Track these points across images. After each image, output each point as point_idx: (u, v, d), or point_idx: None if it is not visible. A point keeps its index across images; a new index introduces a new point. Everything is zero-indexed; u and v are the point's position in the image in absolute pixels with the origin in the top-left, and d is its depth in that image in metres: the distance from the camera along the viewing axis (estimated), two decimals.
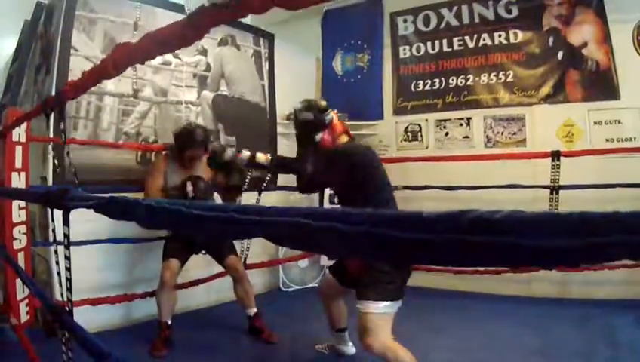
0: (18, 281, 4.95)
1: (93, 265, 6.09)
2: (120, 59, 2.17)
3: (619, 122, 7.70)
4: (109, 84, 6.55)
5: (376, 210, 0.91)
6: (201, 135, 5.99)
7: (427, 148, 9.13)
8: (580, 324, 6.23)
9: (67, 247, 2.86)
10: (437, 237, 0.82)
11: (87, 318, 5.35)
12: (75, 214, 2.40)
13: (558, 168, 7.02)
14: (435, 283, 8.05)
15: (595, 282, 7.02)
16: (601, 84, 7.88)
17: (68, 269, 2.93)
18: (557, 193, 6.98)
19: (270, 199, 7.94)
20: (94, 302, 5.53)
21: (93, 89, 6.17)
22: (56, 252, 3.46)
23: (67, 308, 2.90)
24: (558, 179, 7.03)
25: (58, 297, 3.52)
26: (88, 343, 2.29)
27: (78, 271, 2.83)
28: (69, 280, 2.94)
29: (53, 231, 3.34)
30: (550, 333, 5.92)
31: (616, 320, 6.32)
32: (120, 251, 6.35)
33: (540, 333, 5.91)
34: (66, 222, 2.73)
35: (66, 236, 2.82)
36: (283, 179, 7.91)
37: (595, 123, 7.85)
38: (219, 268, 6.46)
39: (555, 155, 7.09)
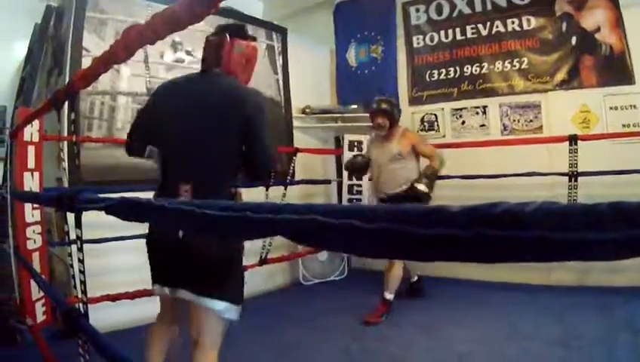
0: (33, 282, 4.92)
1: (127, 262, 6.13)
2: (130, 41, 2.12)
3: (634, 107, 7.64)
4: (122, 84, 6.58)
5: (396, 205, 0.86)
6: (378, 103, 6.80)
7: (444, 137, 9.10)
8: (601, 313, 6.17)
9: (80, 249, 2.83)
10: (463, 232, 0.77)
11: (110, 315, 5.36)
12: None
13: (576, 153, 6.94)
14: (452, 273, 8.02)
15: (615, 269, 6.96)
16: (616, 69, 7.82)
17: (82, 272, 2.90)
18: (576, 180, 6.90)
19: (292, 193, 8.03)
20: (113, 298, 5.54)
21: (107, 88, 6.21)
22: (70, 254, 3.39)
23: (82, 310, 2.86)
24: (577, 164, 6.95)
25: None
26: (102, 346, 2.27)
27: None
28: (83, 282, 2.90)
29: (67, 232, 3.31)
30: (571, 322, 5.86)
31: (637, 307, 6.30)
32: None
33: (560, 323, 5.86)
34: (78, 224, 2.70)
35: (79, 238, 2.79)
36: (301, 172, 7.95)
37: (611, 108, 7.79)
38: None
39: (573, 139, 6.98)
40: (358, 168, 7.27)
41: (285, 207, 1.00)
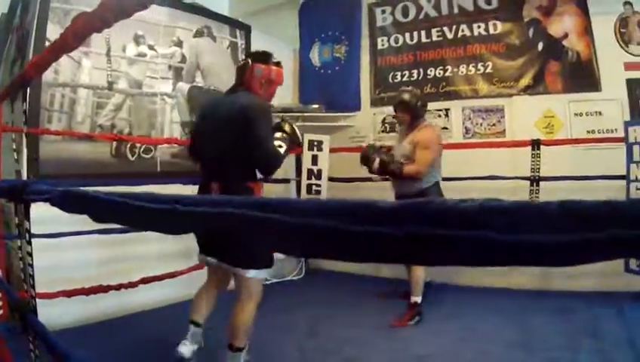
0: None
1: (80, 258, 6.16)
2: (79, 29, 2.13)
3: (600, 114, 7.73)
4: (83, 76, 6.51)
5: (326, 199, 0.86)
6: (398, 94, 6.64)
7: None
8: (562, 317, 6.24)
9: (29, 242, 2.82)
10: (398, 230, 0.76)
11: (65, 311, 5.33)
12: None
13: (539, 157, 7.07)
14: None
15: (576, 274, 7.00)
16: (582, 76, 7.90)
17: (30, 265, 2.89)
18: (537, 184, 7.00)
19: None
20: (69, 294, 5.46)
21: (67, 81, 6.16)
22: (20, 247, 3.40)
23: (31, 305, 2.86)
24: (539, 168, 7.08)
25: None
26: (48, 342, 2.26)
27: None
28: (32, 276, 2.89)
29: (18, 225, 3.30)
30: (531, 326, 5.90)
31: (599, 312, 6.34)
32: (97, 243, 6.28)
33: (521, 326, 5.90)
34: (27, 216, 2.69)
35: (28, 231, 2.78)
36: None
37: (576, 114, 7.88)
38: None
39: (536, 144, 7.12)
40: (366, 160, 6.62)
41: (218, 200, 1.00)
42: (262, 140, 4.19)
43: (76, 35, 2.17)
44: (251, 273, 4.43)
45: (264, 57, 4.55)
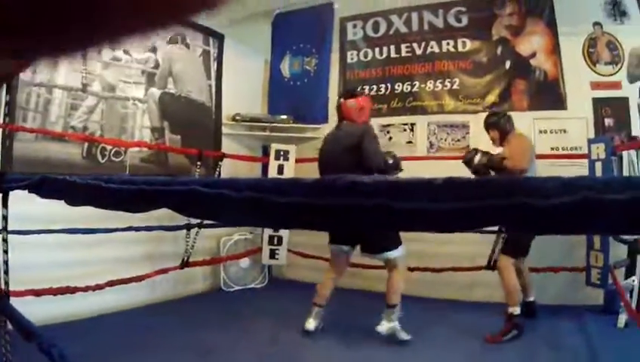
0: None
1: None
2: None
3: (564, 131, 7.93)
4: (58, 77, 6.58)
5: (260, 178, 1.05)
6: (485, 120, 6.87)
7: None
8: (524, 327, 6.24)
9: (5, 229, 2.93)
10: (318, 201, 0.94)
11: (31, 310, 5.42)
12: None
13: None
14: (373, 286, 8.07)
15: (539, 287, 7.12)
16: (548, 94, 8.10)
17: (5, 252, 3.00)
18: None
19: None
20: (38, 293, 5.46)
21: (43, 81, 6.24)
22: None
23: (4, 292, 2.96)
24: None
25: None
26: (22, 324, 2.37)
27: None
28: (6, 263, 3.00)
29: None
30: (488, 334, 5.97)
31: (560, 325, 6.48)
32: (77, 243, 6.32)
33: (481, 337, 5.96)
34: (5, 204, 2.81)
35: (5, 218, 2.90)
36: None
37: (541, 131, 8.06)
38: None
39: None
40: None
41: (174, 180, 1.16)
42: (373, 152, 5.77)
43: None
44: (393, 253, 5.92)
45: (352, 93, 6.47)
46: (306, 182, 0.96)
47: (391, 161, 6.31)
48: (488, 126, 6.74)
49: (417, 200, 0.88)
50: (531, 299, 6.84)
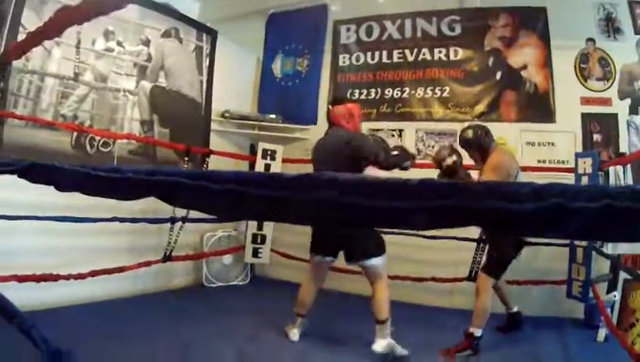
0: None
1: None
2: (61, 20, 2.30)
3: (552, 144, 7.99)
4: (51, 65, 6.61)
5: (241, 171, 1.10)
6: (461, 138, 6.34)
7: None
8: (502, 338, 6.40)
9: None
10: (297, 195, 0.99)
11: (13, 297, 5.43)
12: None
13: None
14: (357, 289, 8.10)
15: (520, 298, 7.17)
16: (538, 107, 8.16)
17: None
18: None
19: None
20: (20, 279, 5.48)
21: (35, 68, 6.26)
22: None
23: None
24: None
25: None
26: (4, 305, 2.41)
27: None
28: None
29: None
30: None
31: (540, 337, 6.49)
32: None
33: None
34: None
35: None
36: None
37: (528, 143, 8.12)
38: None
39: None
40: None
41: (159, 170, 1.21)
42: (374, 154, 5.64)
43: (57, 26, 2.35)
44: (377, 260, 5.69)
45: (340, 99, 6.69)
46: (285, 176, 1.01)
47: (396, 153, 5.92)
48: (466, 146, 6.21)
49: (394, 200, 0.92)
50: (515, 309, 6.72)
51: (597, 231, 0.89)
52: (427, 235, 6.85)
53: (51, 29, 2.42)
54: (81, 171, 1.45)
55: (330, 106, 6.26)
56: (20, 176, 2.00)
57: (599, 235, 0.81)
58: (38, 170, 1.82)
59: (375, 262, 5.67)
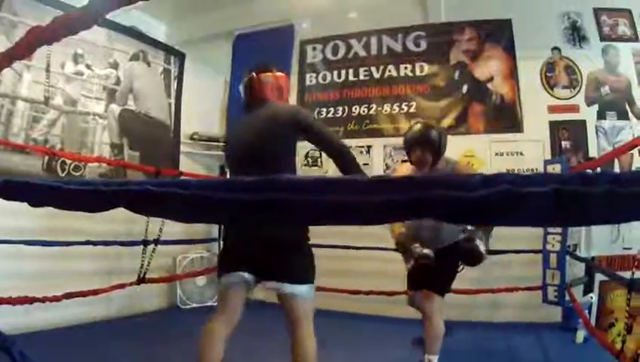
0: None
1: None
2: (30, 40, 2.37)
3: (521, 154, 8.13)
4: (22, 89, 6.66)
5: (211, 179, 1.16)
6: (418, 130, 5.06)
7: (326, 173, 9.19)
8: (482, 346, 6.50)
9: None
10: (253, 196, 1.06)
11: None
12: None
13: None
14: (328, 305, 8.19)
15: (495, 306, 7.27)
16: (505, 117, 8.31)
17: None
18: None
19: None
20: None
21: (7, 92, 6.27)
22: None
23: None
24: None
25: None
26: None
27: None
28: None
29: None
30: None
31: (517, 342, 6.58)
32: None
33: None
34: None
35: None
36: None
37: (497, 154, 8.25)
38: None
39: None
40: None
41: (129, 181, 1.29)
42: (331, 136, 4.12)
43: (28, 46, 2.42)
44: (307, 289, 3.90)
45: (266, 67, 4.38)
46: (248, 180, 1.08)
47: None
48: (426, 144, 4.97)
49: (352, 195, 1.00)
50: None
51: (547, 216, 0.93)
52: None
53: (21, 49, 2.48)
54: (54, 185, 1.51)
55: (254, 74, 4.29)
56: None
57: (549, 220, 0.86)
58: (12, 186, 1.88)
59: (305, 290, 3.88)
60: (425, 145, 4.97)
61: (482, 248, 4.78)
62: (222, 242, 4.68)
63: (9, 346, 2.45)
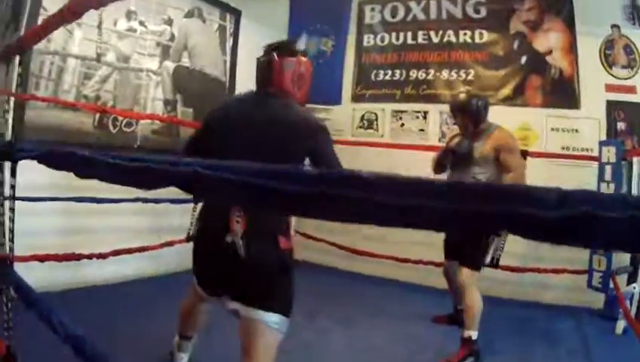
0: None
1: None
2: (76, 6, 2.26)
3: (576, 131, 7.85)
4: (73, 46, 6.59)
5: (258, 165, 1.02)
6: (455, 100, 5.89)
7: (382, 136, 9.20)
8: (523, 326, 6.37)
9: (13, 199, 2.94)
10: (315, 189, 0.94)
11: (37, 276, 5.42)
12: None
13: None
14: (376, 271, 8.14)
15: (539, 287, 7.15)
16: (562, 92, 8.02)
17: (12, 220, 3.01)
18: None
19: None
20: (42, 259, 5.49)
21: (57, 49, 6.22)
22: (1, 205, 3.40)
23: (8, 261, 2.99)
24: None
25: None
26: (24, 291, 2.39)
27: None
28: (11, 231, 3.01)
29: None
30: (489, 333, 5.60)
31: (558, 327, 6.46)
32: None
33: (480, 333, 5.30)
34: (13, 173, 2.82)
35: (13, 187, 2.91)
36: None
37: (553, 129, 8.00)
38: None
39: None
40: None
41: (180, 161, 1.17)
42: (331, 159, 3.40)
43: (73, 11, 2.31)
44: (279, 320, 3.24)
45: (290, 49, 3.63)
46: (300, 171, 0.97)
47: None
48: (465, 111, 5.53)
49: (419, 198, 0.89)
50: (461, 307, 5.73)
51: (618, 241, 0.83)
52: None
53: (67, 15, 2.38)
54: (100, 160, 1.41)
55: (275, 55, 3.50)
56: (39, 162, 1.97)
57: (619, 246, 0.77)
58: (56, 156, 1.79)
59: (276, 321, 3.22)
60: (464, 112, 5.58)
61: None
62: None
63: (48, 314, 2.37)
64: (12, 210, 3.13)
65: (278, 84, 3.45)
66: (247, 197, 1.07)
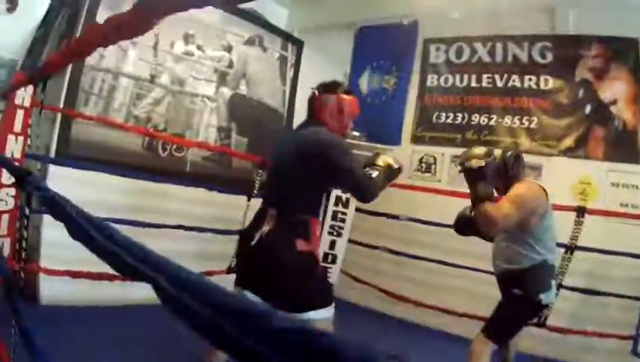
0: None
1: None
2: (88, 40, 2.14)
3: (636, 187, 7.51)
4: (126, 65, 6.61)
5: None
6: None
7: (439, 181, 8.98)
8: None
9: (28, 218, 2.83)
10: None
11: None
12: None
13: (580, 225, 6.75)
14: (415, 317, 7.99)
15: (586, 347, 6.89)
16: (624, 145, 7.72)
17: (26, 239, 2.93)
18: (572, 253, 6.71)
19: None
20: (74, 275, 5.47)
21: (110, 67, 6.19)
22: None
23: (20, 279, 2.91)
24: (577, 237, 6.72)
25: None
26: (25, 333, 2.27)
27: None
28: (25, 249, 2.94)
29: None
30: None
31: None
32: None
33: None
34: (28, 202, 2.73)
35: (26, 216, 2.80)
36: None
37: (613, 184, 7.65)
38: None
39: (581, 211, 6.61)
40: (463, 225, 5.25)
41: (150, 259, 1.01)
42: (346, 169, 3.77)
43: (87, 45, 2.18)
44: (317, 314, 3.69)
45: (332, 86, 4.15)
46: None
47: (376, 173, 4.16)
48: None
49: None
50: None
51: None
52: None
53: (81, 49, 2.23)
54: (89, 233, 1.26)
55: (315, 92, 4.11)
56: (43, 206, 1.87)
57: None
58: (54, 207, 1.66)
59: (314, 317, 3.66)
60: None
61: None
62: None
63: None
64: (26, 228, 3.03)
65: (317, 116, 4.07)
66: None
